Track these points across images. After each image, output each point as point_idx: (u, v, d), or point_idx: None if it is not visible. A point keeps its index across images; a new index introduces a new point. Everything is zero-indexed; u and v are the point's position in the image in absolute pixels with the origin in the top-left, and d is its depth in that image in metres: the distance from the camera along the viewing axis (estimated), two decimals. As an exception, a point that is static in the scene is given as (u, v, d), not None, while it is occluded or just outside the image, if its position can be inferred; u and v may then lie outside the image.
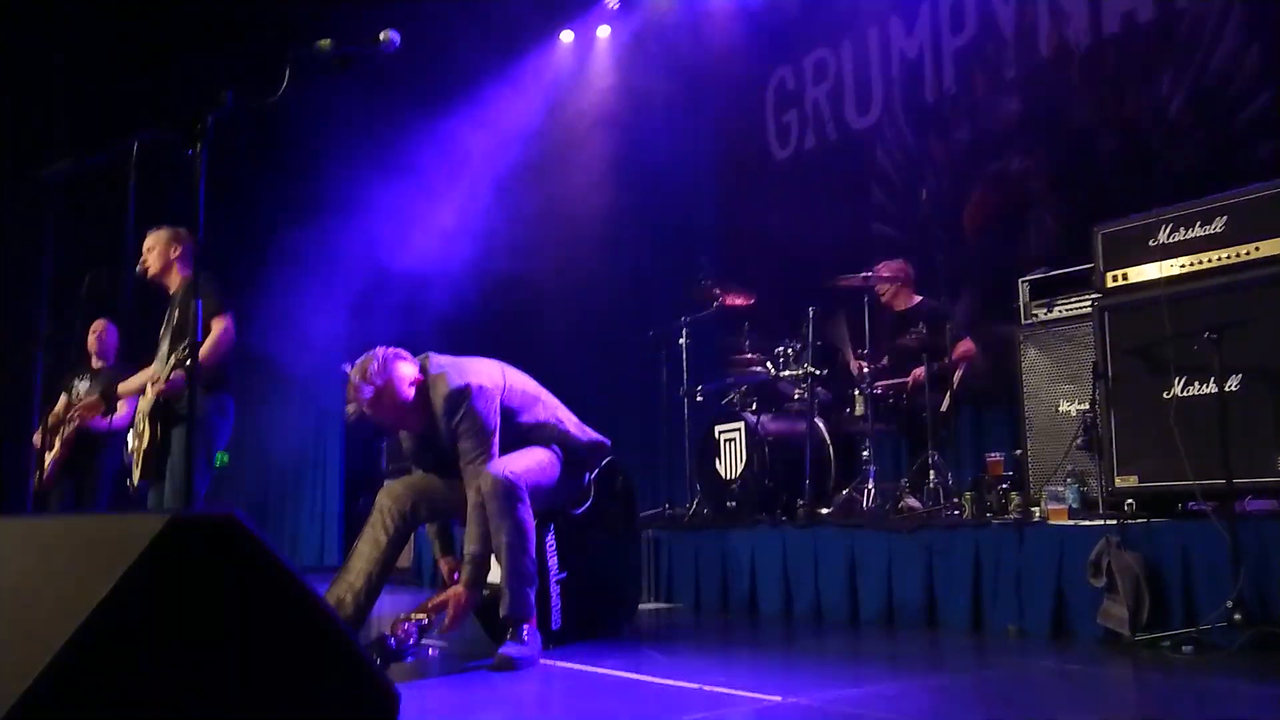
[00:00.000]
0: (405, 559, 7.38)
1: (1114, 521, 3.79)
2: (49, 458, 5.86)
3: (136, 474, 4.64)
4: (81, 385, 6.04)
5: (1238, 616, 3.29)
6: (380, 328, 7.71)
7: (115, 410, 5.92)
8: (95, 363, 6.18)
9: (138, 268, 4.87)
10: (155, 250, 4.82)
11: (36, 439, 5.94)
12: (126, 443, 4.79)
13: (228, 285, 4.86)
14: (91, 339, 6.21)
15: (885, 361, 5.67)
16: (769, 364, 5.83)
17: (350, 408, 3.52)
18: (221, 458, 11.28)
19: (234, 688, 1.28)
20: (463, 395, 3.53)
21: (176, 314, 4.65)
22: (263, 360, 8.62)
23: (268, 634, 1.32)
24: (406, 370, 3.56)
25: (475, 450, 3.52)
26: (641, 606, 5.03)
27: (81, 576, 1.29)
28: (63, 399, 5.98)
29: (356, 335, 8.52)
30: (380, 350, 3.56)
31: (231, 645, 1.29)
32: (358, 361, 3.53)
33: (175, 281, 4.85)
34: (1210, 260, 3.79)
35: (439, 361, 3.64)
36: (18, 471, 6.23)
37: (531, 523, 3.53)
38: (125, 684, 1.20)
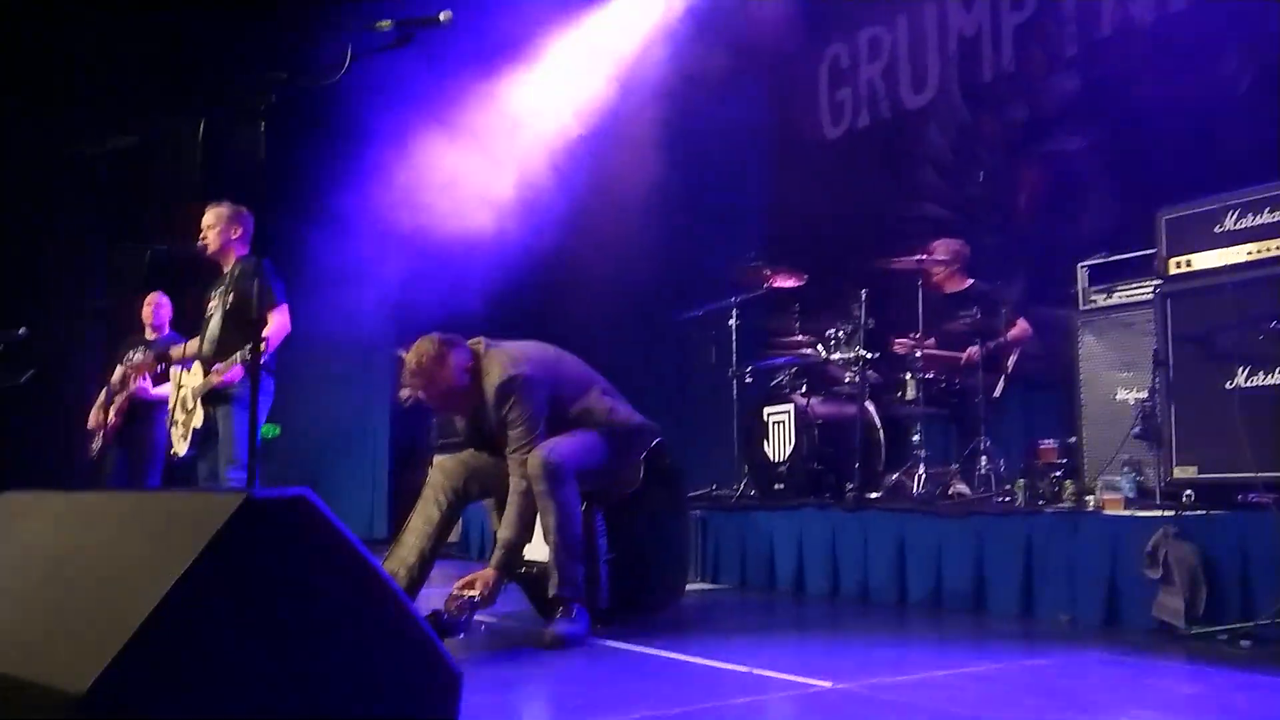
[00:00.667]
0: (454, 534, 7.47)
1: (1171, 512, 3.74)
2: (99, 430, 6.02)
3: (180, 446, 4.75)
4: (135, 357, 6.16)
5: (1297, 611, 3.23)
6: (428, 301, 7.77)
7: (166, 376, 6.04)
8: (149, 334, 6.29)
9: (197, 243, 4.95)
10: (216, 229, 4.91)
11: (93, 415, 6.09)
12: (173, 414, 4.89)
13: (279, 264, 4.94)
14: (146, 310, 6.32)
15: (933, 343, 5.62)
16: (819, 346, 5.80)
17: (404, 392, 3.56)
18: (273, 429, 11.50)
19: (305, 664, 1.31)
20: (513, 385, 3.55)
21: (231, 296, 4.73)
22: (313, 334, 8.70)
23: (338, 611, 1.35)
24: (460, 356, 3.59)
25: (521, 440, 3.55)
26: (688, 587, 5.05)
27: (160, 552, 1.33)
28: (118, 370, 6.09)
29: (405, 308, 8.61)
30: (435, 336, 3.59)
31: (304, 622, 1.31)
32: (413, 346, 3.57)
33: (230, 260, 4.93)
34: (1277, 247, 3.70)
35: (493, 348, 3.67)
36: (73, 442, 6.37)
37: (578, 504, 3.56)
38: (202, 659, 1.23)
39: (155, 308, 6.31)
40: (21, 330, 6.32)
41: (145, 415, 6.00)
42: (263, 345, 4.65)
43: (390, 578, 3.47)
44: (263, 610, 1.27)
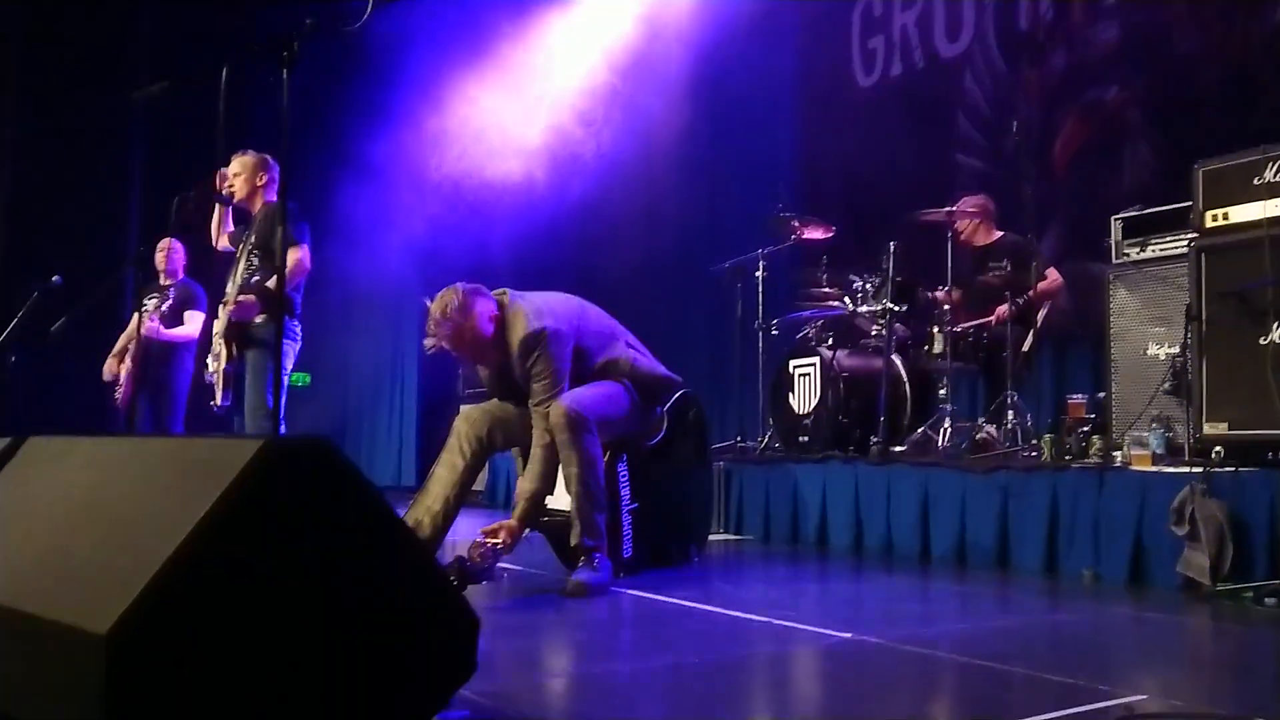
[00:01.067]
0: (479, 482, 7.53)
1: (1200, 469, 3.70)
2: (124, 375, 6.08)
3: (219, 394, 4.80)
4: (151, 303, 6.20)
5: (1326, 571, 3.21)
6: (456, 251, 7.77)
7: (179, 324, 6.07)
8: (164, 280, 6.31)
9: (224, 191, 4.96)
10: (242, 176, 4.91)
11: (108, 364, 6.17)
12: (207, 365, 4.93)
13: (307, 212, 4.94)
14: (159, 256, 6.32)
15: (961, 297, 5.56)
16: (846, 299, 5.75)
17: (429, 342, 3.57)
18: (303, 378, 11.62)
19: (323, 608, 1.33)
20: (538, 339, 3.55)
21: (253, 238, 4.75)
22: (344, 282, 8.76)
23: (356, 558, 1.36)
24: (486, 307, 3.58)
25: (545, 393, 3.56)
26: (712, 537, 5.08)
27: (181, 497, 1.34)
28: (134, 318, 6.13)
29: (435, 258, 8.63)
30: (460, 286, 3.59)
31: (322, 566, 1.32)
32: (438, 296, 3.56)
33: (258, 205, 4.95)
34: (1318, 201, 3.62)
35: (518, 299, 3.66)
36: (105, 390, 6.44)
37: (600, 453, 3.57)
38: (221, 605, 1.25)
39: (169, 253, 6.31)
40: (56, 278, 6.39)
41: (163, 358, 6.04)
42: (275, 280, 4.68)
43: (410, 525, 3.55)
44: (281, 554, 1.28)
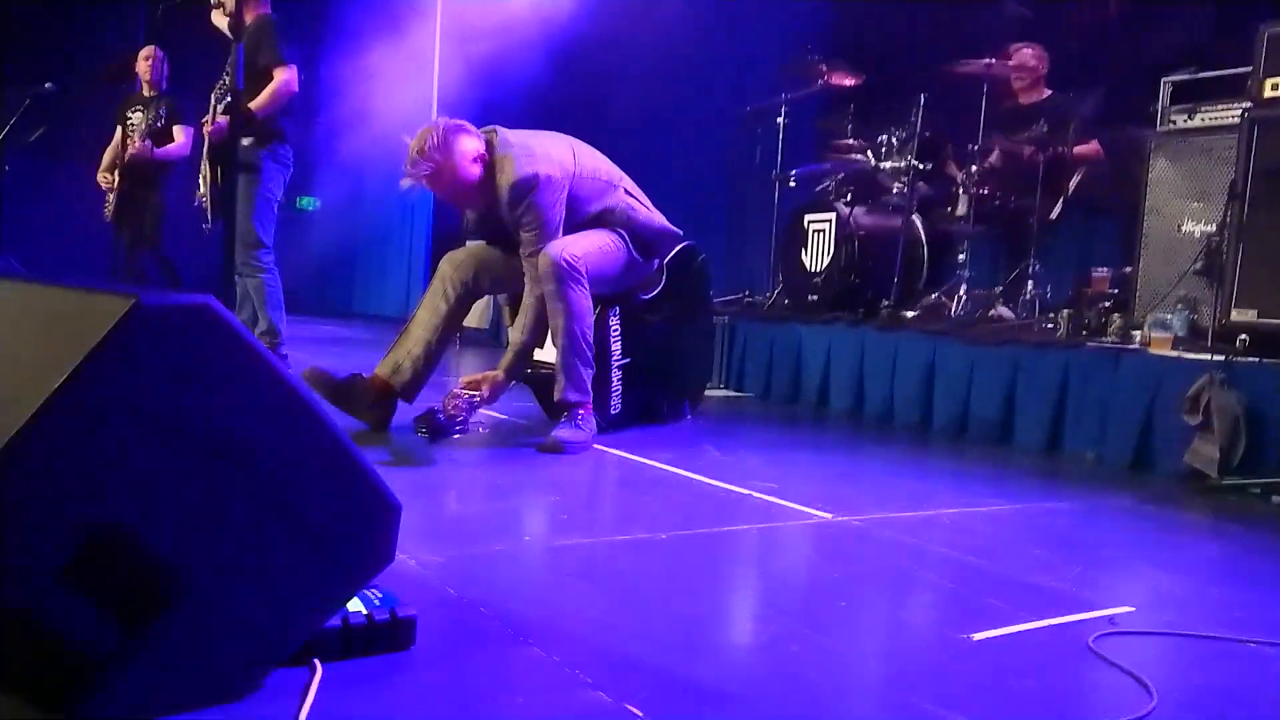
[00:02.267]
0: (483, 321, 7.42)
1: (1221, 357, 3.51)
2: (110, 191, 5.91)
3: (209, 217, 4.63)
4: (135, 115, 5.96)
5: (1341, 473, 3.05)
6: (465, 85, 7.44)
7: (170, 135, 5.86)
8: (147, 91, 6.05)
9: (213, 2, 4.67)
10: None
11: (100, 175, 5.97)
12: (199, 185, 4.74)
13: (295, 28, 4.64)
14: (143, 65, 6.05)
15: (996, 160, 5.26)
16: (869, 152, 5.44)
17: (405, 181, 3.34)
18: (311, 201, 11.38)
19: (202, 496, 1.18)
20: (529, 185, 3.31)
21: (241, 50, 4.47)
22: (359, 113, 8.47)
23: (243, 437, 1.20)
24: (469, 145, 3.33)
25: (536, 243, 3.35)
26: (710, 393, 4.96)
27: (43, 355, 1.17)
28: (118, 131, 5.91)
29: (445, 86, 8.29)
30: (441, 122, 3.33)
31: (205, 447, 1.17)
32: (417, 132, 3.31)
33: (250, 16, 4.65)
34: (1393, 74, 3.29)
35: (508, 139, 3.39)
36: (87, 197, 6.28)
37: (589, 305, 3.39)
38: (78, 489, 1.10)
39: (152, 62, 6.03)
40: (48, 85, 6.13)
41: (150, 178, 5.86)
42: (257, 102, 4.45)
43: (390, 369, 3.41)
44: (150, 431, 1.12)
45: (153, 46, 6.04)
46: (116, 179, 5.82)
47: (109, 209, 5.92)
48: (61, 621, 1.13)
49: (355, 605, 1.47)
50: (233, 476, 1.19)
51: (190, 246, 5.06)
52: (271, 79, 4.51)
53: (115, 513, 1.11)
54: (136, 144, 5.79)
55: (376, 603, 1.50)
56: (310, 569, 1.29)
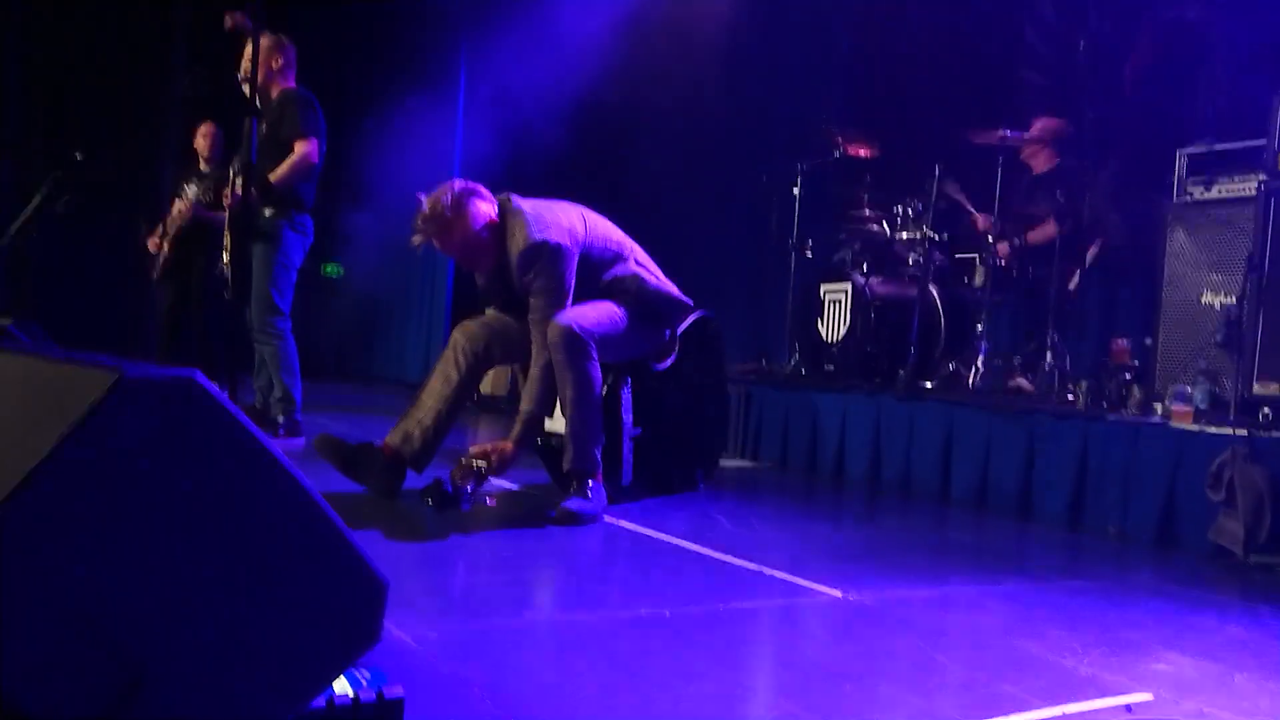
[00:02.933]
0: (501, 388, 7.41)
1: (1244, 431, 3.44)
2: (160, 256, 6.02)
3: (230, 285, 4.69)
4: (190, 189, 6.07)
5: (1371, 552, 2.96)
6: (489, 152, 7.54)
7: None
8: (203, 165, 6.20)
9: (239, 74, 4.75)
10: (256, 60, 4.68)
11: (152, 241, 6.08)
12: (221, 255, 4.80)
13: (323, 105, 4.73)
14: (199, 141, 6.22)
15: (1005, 228, 5.25)
16: (885, 223, 5.45)
17: (416, 238, 3.36)
18: (336, 269, 11.49)
19: (183, 575, 1.15)
20: (540, 251, 3.32)
21: (265, 127, 4.54)
22: (381, 179, 8.60)
23: (226, 514, 1.17)
24: (482, 208, 3.36)
25: (545, 310, 3.34)
26: (726, 463, 4.91)
27: (28, 429, 1.16)
28: (175, 203, 6.04)
29: (469, 151, 8.40)
30: (456, 183, 3.37)
31: (183, 525, 1.14)
32: (433, 192, 3.35)
33: (275, 92, 4.75)
34: None
35: (520, 206, 3.42)
36: (128, 267, 6.39)
37: (599, 376, 3.37)
38: (58, 565, 1.08)
39: (210, 139, 6.19)
40: (78, 155, 6.26)
41: (196, 240, 5.94)
42: (277, 173, 4.51)
43: (399, 438, 3.39)
44: (133, 506, 1.10)
45: (210, 123, 6.21)
46: (166, 244, 5.96)
47: (156, 272, 6.05)
48: (32, 709, 1.10)
49: (341, 685, 1.43)
50: (213, 554, 1.17)
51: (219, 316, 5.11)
52: (293, 151, 4.59)
53: (90, 594, 1.09)
54: (187, 211, 5.92)
55: (364, 683, 1.46)
56: (292, 649, 1.25)
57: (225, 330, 5.78)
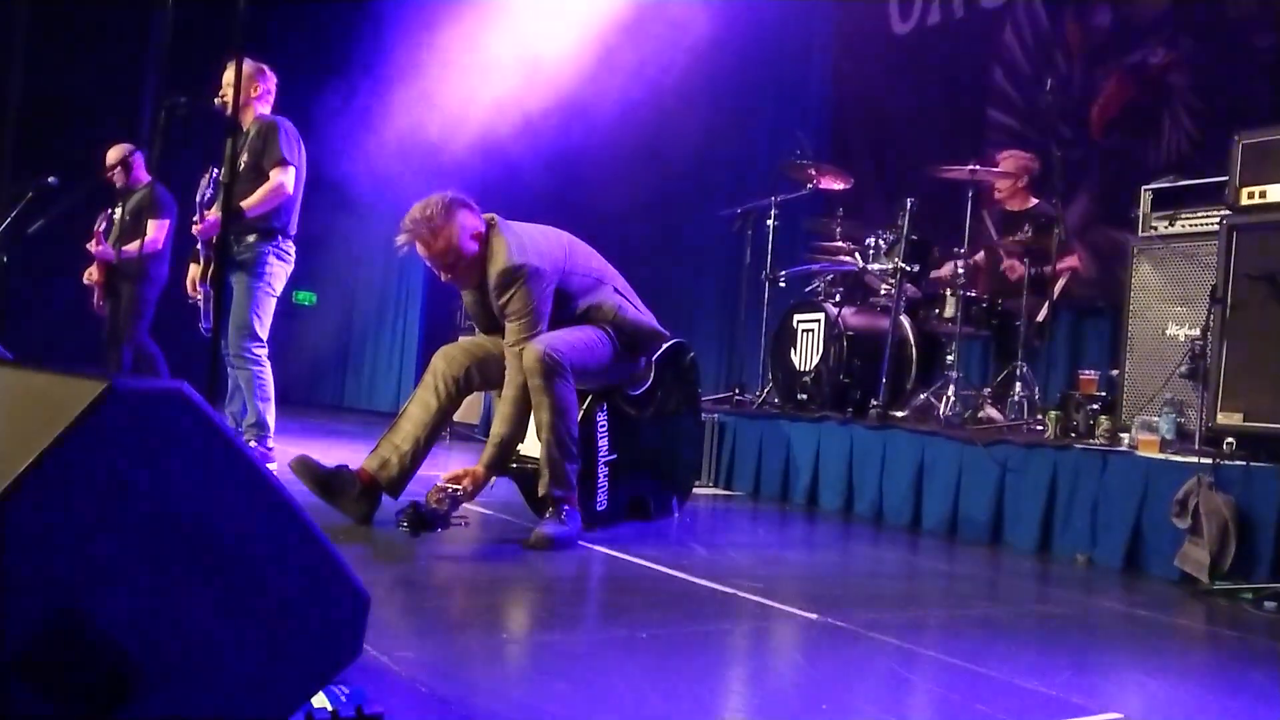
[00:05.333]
0: (474, 415, 7.41)
1: (1209, 460, 3.50)
2: (95, 283, 6.07)
3: (203, 315, 4.68)
4: (117, 212, 6.11)
5: (1332, 578, 3.02)
6: (460, 183, 7.56)
7: (141, 235, 5.92)
8: (120, 185, 6.19)
9: (217, 101, 4.76)
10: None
11: (86, 272, 6.11)
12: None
13: (302, 130, 4.75)
14: (111, 160, 6.21)
15: (982, 260, 5.34)
16: (858, 254, 5.52)
17: (402, 238, 3.37)
18: (309, 297, 11.45)
19: (170, 582, 1.16)
20: (518, 274, 3.34)
21: (246, 156, 4.55)
22: (354, 207, 8.61)
23: (213, 523, 1.19)
24: (470, 221, 3.38)
25: (520, 335, 3.35)
26: (699, 491, 4.93)
27: (15, 436, 1.17)
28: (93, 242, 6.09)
29: (446, 183, 8.41)
30: (449, 192, 3.39)
31: (170, 533, 1.15)
32: (426, 198, 3.38)
33: (249, 119, 4.76)
34: (1365, 184, 3.36)
35: (504, 228, 3.45)
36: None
37: (574, 400, 3.39)
38: (47, 570, 1.08)
39: (122, 158, 6.17)
40: (52, 179, 6.23)
41: (125, 272, 5.92)
42: (253, 200, 4.52)
43: (377, 464, 3.39)
44: (121, 513, 1.11)
45: (124, 145, 6.23)
46: (96, 274, 5.99)
47: (97, 301, 6.04)
48: (19, 713, 1.10)
49: (321, 701, 1.44)
50: (197, 562, 1.18)
51: (185, 337, 5.09)
52: (264, 177, 4.59)
53: (76, 599, 1.09)
54: (100, 244, 5.95)
55: (343, 699, 1.47)
56: (276, 660, 1.26)
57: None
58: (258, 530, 1.23)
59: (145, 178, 6.18)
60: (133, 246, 5.86)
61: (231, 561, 1.20)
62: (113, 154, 6.20)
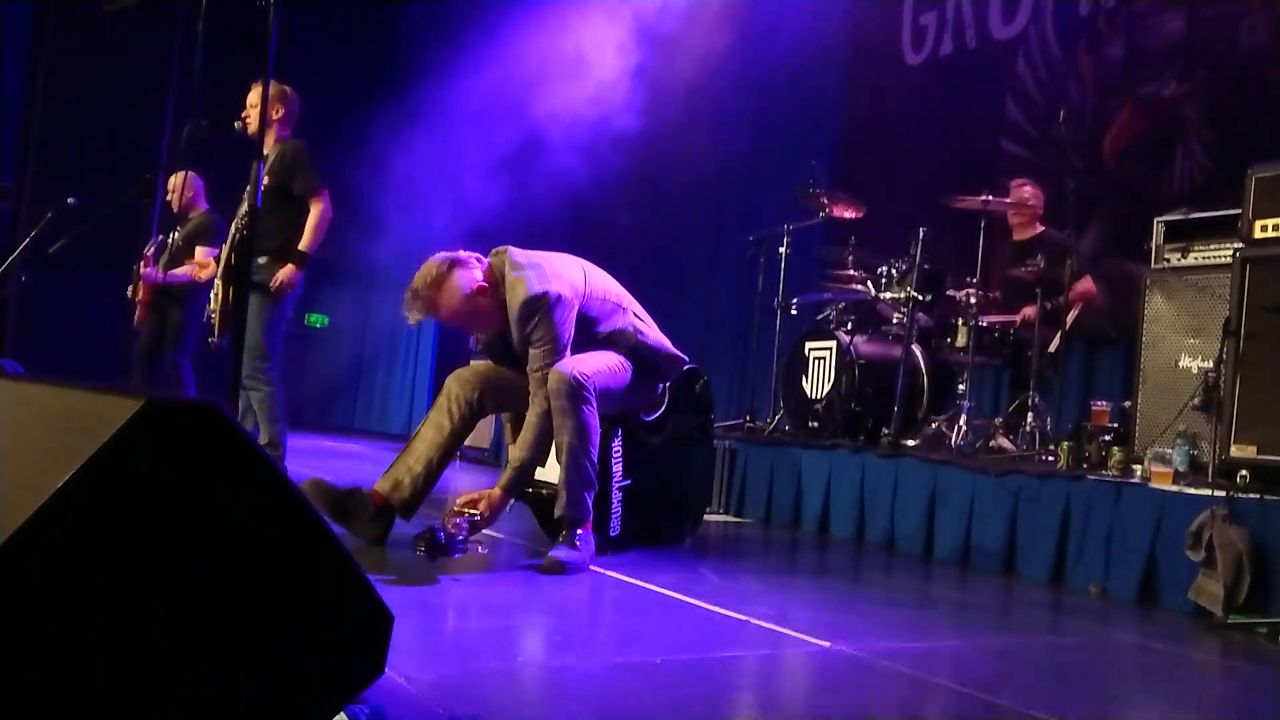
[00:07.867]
0: (484, 440, 7.42)
1: (1223, 492, 3.50)
2: (140, 301, 6.06)
3: (216, 332, 4.71)
4: (173, 236, 6.13)
5: (1348, 612, 3.01)
6: (479, 211, 7.62)
7: (179, 263, 5.97)
8: (176, 211, 6.24)
9: (236, 124, 4.82)
10: (259, 108, 4.76)
11: (131, 289, 6.10)
12: (209, 299, 4.83)
13: (318, 152, 4.81)
14: (172, 196, 6.26)
15: (996, 294, 5.35)
16: (870, 283, 5.54)
17: (409, 315, 3.40)
18: (321, 319, 11.51)
19: (201, 596, 1.18)
20: (539, 303, 3.37)
21: (268, 180, 4.61)
22: (367, 228, 8.66)
23: (244, 539, 1.21)
24: (463, 279, 3.38)
25: (544, 360, 3.37)
26: (710, 518, 4.93)
27: (45, 457, 1.19)
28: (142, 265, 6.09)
29: (460, 207, 8.49)
30: (441, 257, 3.40)
31: (202, 548, 1.17)
32: (420, 269, 3.40)
33: (269, 142, 4.82)
34: (1379, 218, 3.38)
35: (519, 259, 3.47)
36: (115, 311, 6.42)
37: (596, 425, 3.40)
38: (82, 585, 1.10)
39: (179, 185, 6.22)
40: (70, 200, 6.30)
41: (171, 295, 5.96)
42: (306, 238, 4.60)
43: (390, 485, 3.41)
44: (155, 530, 1.13)
45: (185, 172, 6.27)
46: (142, 291, 6.00)
47: (137, 320, 6.06)
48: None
49: (342, 718, 1.45)
50: (228, 576, 1.19)
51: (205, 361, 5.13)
52: (304, 205, 4.66)
53: (107, 609, 1.11)
54: (148, 265, 5.98)
55: (363, 718, 1.48)
56: (302, 674, 1.28)
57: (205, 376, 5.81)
58: (285, 543, 1.25)
59: (204, 205, 6.24)
60: (177, 272, 5.91)
61: (261, 573, 1.22)
62: (174, 179, 6.26)
